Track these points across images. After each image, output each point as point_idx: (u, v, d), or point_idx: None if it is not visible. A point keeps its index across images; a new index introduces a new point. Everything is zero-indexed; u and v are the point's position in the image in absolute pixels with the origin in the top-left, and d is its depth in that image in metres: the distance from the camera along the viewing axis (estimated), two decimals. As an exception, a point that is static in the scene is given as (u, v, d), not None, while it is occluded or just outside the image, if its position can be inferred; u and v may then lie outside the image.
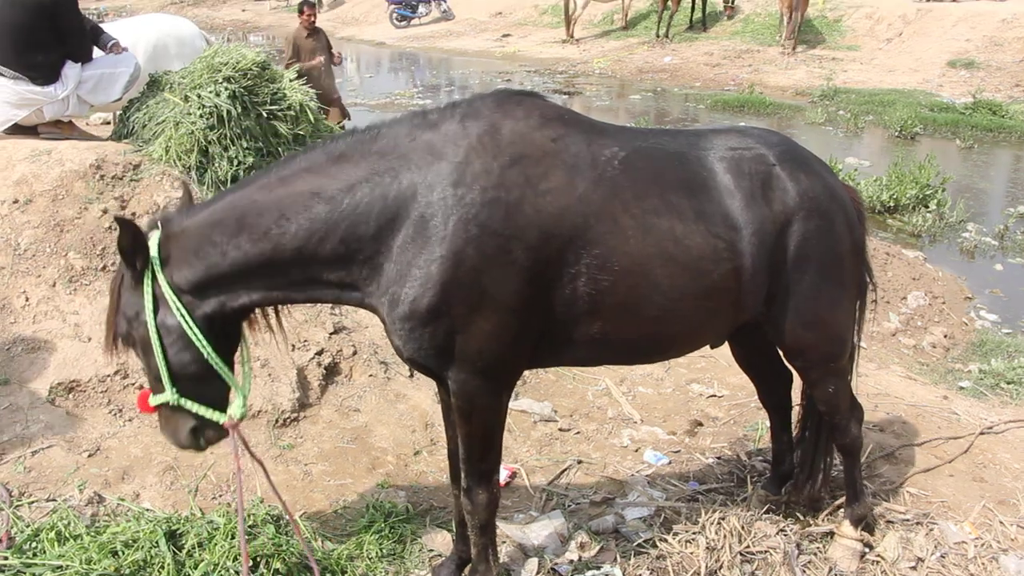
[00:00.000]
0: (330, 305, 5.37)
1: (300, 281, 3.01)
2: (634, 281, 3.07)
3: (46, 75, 5.74)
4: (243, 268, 2.93)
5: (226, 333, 3.06)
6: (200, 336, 2.92)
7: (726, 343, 4.04)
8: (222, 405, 3.09)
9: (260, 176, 3.04)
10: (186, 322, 2.89)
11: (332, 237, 2.90)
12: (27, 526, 3.52)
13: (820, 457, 4.10)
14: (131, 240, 2.83)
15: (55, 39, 5.72)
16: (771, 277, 3.33)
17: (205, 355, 2.95)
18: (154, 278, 2.89)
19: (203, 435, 3.11)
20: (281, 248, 2.90)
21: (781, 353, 3.82)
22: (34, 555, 3.31)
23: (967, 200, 11.78)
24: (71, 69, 5.82)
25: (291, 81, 6.24)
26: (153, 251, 2.88)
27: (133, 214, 5.15)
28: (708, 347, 3.80)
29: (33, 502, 3.74)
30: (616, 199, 3.05)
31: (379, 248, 2.91)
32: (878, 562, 3.93)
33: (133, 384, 4.45)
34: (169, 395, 2.97)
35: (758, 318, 3.49)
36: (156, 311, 2.89)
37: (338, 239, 2.90)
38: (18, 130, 5.86)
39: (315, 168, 2.95)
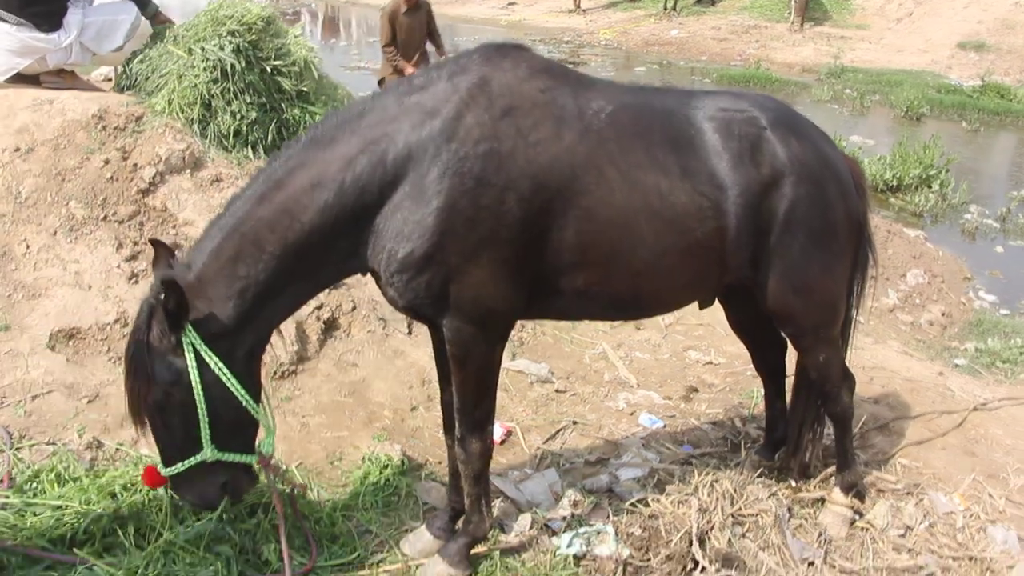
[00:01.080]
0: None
1: (318, 273, 3.07)
2: (619, 234, 3.11)
3: (50, 21, 5.69)
4: (273, 289, 2.95)
5: (251, 371, 3.06)
6: (237, 384, 2.93)
7: (720, 308, 4.07)
8: (250, 449, 3.13)
9: (254, 188, 2.99)
10: (224, 374, 2.90)
11: (344, 217, 2.93)
12: (27, 468, 3.55)
13: (812, 425, 4.13)
14: (177, 302, 2.77)
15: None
16: (758, 239, 3.34)
17: (243, 402, 2.97)
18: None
19: (233, 488, 3.13)
20: (302, 249, 2.92)
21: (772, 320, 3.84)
22: (34, 495, 3.36)
23: (970, 182, 11.78)
24: (73, 16, 5.76)
25: (296, 37, 6.21)
26: None
27: (135, 165, 5.14)
28: (698, 308, 3.82)
29: (33, 445, 3.76)
30: (602, 152, 3.07)
31: (379, 210, 2.95)
32: (867, 529, 3.97)
33: (133, 333, 4.46)
34: (208, 452, 2.95)
35: (747, 282, 3.50)
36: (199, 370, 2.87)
37: (349, 215, 2.93)
38: (20, 79, 5.82)
39: (308, 161, 2.95)
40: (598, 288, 3.20)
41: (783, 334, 3.89)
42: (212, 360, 2.88)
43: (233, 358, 2.94)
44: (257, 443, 3.20)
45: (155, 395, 2.88)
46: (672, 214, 3.15)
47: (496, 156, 2.90)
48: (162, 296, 2.78)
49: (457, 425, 3.31)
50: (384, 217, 2.94)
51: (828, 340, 3.71)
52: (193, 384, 2.86)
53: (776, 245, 3.37)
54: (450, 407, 3.44)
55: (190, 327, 2.85)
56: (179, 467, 2.98)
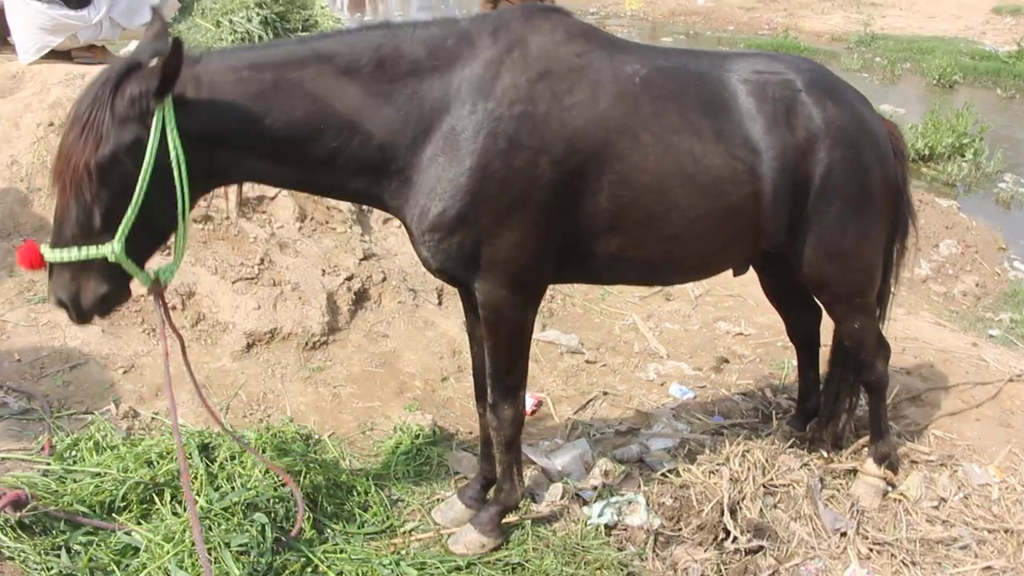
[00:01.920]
0: (360, 232, 5.40)
1: (321, 173, 2.91)
2: (653, 198, 3.08)
3: (80, -1, 5.72)
4: (268, 148, 2.76)
5: (198, 192, 2.78)
6: (186, 182, 2.62)
7: (750, 280, 4.04)
8: (143, 266, 2.75)
9: (303, 50, 2.80)
10: (179, 171, 2.60)
11: (373, 136, 2.84)
12: (67, 436, 3.61)
13: (845, 395, 4.10)
14: (176, 70, 2.49)
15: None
16: (793, 205, 3.31)
17: (179, 210, 2.64)
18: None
19: (112, 302, 2.76)
20: (316, 136, 2.79)
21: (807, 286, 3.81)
22: (74, 463, 3.41)
23: (1005, 150, 11.57)
24: (103, -8, 5.80)
25: (322, 8, 6.20)
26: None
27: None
28: (732, 275, 3.80)
29: (72, 414, 3.82)
30: (636, 116, 3.04)
31: (411, 160, 2.90)
32: (900, 500, 3.95)
33: (167, 304, 4.50)
34: (116, 248, 2.59)
35: (783, 248, 3.47)
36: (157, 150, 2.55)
37: (377, 142, 2.85)
38: (52, 55, 5.87)
39: (357, 59, 2.81)
40: (632, 253, 3.19)
41: (818, 301, 3.85)
42: (175, 148, 2.57)
43: (191, 161, 2.64)
44: (157, 268, 2.83)
45: (99, 156, 2.51)
46: (706, 178, 3.12)
47: (530, 119, 2.88)
48: (160, 58, 2.50)
49: (489, 391, 3.32)
50: (418, 171, 2.90)
51: (863, 307, 3.67)
52: (145, 160, 2.54)
53: (812, 210, 3.33)
54: (482, 375, 3.45)
55: (170, 103, 2.57)
56: (72, 254, 2.60)
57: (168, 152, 2.58)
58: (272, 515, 3.24)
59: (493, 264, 3.00)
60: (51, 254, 2.62)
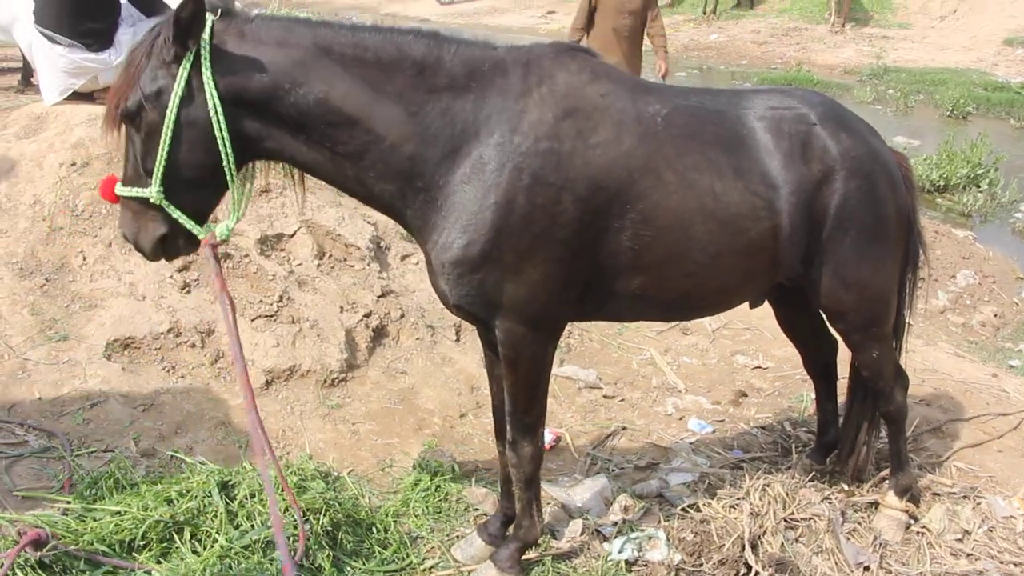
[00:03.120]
0: (378, 269, 5.44)
1: (352, 180, 2.94)
2: (674, 237, 3.10)
3: (100, 41, 5.81)
4: (305, 121, 2.78)
5: (248, 152, 2.85)
6: (227, 138, 2.69)
7: (768, 313, 4.05)
8: (201, 219, 2.87)
9: (352, 40, 2.82)
10: (220, 127, 2.67)
11: (402, 148, 2.85)
12: (87, 474, 3.62)
13: (865, 428, 4.08)
14: (193, 13, 2.56)
15: (108, 4, 5.80)
16: (810, 237, 3.34)
17: (224, 164, 2.72)
18: (194, 66, 2.64)
19: (170, 247, 2.90)
20: (349, 122, 2.80)
21: (823, 316, 3.81)
22: (94, 501, 3.42)
23: (1021, 180, 11.50)
24: (124, 35, 5.89)
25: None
26: (203, 35, 2.63)
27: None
28: (748, 308, 3.83)
29: (92, 452, 3.84)
30: (659, 155, 3.07)
31: (437, 180, 2.90)
32: (923, 533, 3.91)
33: (186, 342, 4.54)
34: (153, 192, 2.72)
35: (798, 280, 3.49)
36: (183, 101, 2.64)
37: (407, 154, 2.86)
38: (75, 96, 5.96)
39: (397, 66, 2.85)
40: (653, 291, 3.20)
41: (835, 332, 3.85)
42: (214, 104, 2.64)
43: (234, 122, 2.71)
44: (214, 225, 2.93)
45: (130, 100, 2.67)
46: (726, 214, 3.15)
47: (555, 155, 2.90)
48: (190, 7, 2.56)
49: (509, 428, 3.32)
50: (445, 194, 2.90)
51: (880, 337, 3.68)
52: (170, 104, 2.64)
53: (827, 241, 3.36)
54: (501, 413, 3.45)
55: (205, 59, 2.63)
56: (127, 191, 2.79)
57: (195, 100, 2.66)
58: (292, 553, 3.24)
59: (514, 302, 3.01)
60: (118, 189, 2.83)
